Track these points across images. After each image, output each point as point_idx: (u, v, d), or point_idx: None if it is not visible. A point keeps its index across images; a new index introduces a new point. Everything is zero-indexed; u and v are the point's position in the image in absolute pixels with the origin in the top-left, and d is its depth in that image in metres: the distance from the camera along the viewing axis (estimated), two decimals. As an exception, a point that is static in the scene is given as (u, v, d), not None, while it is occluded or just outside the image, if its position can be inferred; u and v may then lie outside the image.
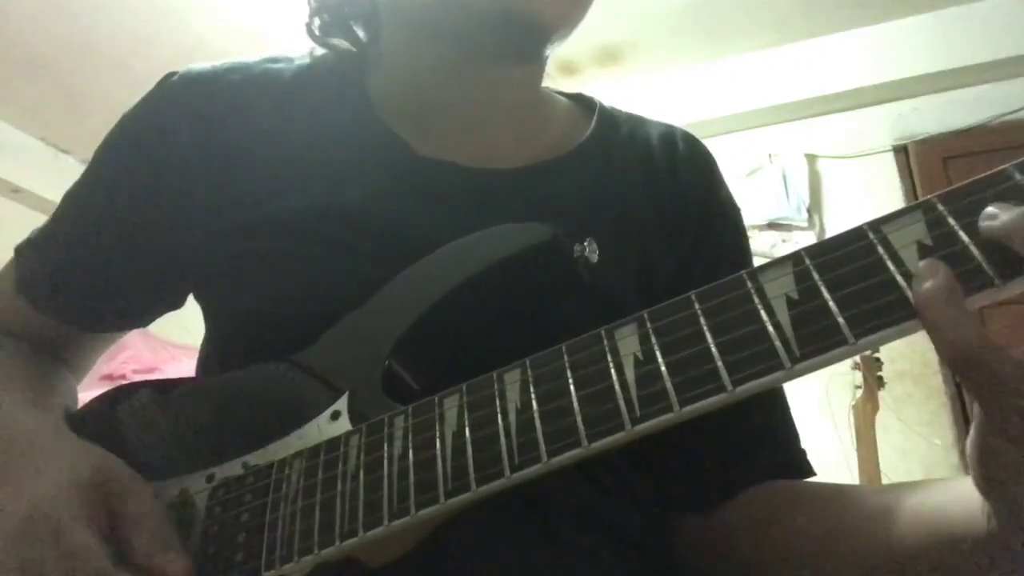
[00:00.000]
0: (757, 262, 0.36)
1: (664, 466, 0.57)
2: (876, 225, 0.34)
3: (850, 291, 0.33)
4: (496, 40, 0.55)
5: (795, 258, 0.35)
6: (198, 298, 0.62)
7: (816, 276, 0.34)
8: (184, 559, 0.43)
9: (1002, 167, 0.31)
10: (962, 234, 0.31)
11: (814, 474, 0.59)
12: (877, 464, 1.89)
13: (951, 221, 0.32)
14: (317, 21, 0.66)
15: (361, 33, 0.65)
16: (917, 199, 0.33)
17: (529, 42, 0.55)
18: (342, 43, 0.65)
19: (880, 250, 0.33)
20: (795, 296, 0.34)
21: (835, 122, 2.75)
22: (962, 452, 2.01)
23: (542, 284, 0.51)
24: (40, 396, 0.59)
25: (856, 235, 0.34)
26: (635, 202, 0.61)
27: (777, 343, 0.34)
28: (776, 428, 0.60)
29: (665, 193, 0.63)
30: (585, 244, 0.50)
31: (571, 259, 0.50)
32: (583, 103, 0.69)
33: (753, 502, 0.56)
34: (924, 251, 0.32)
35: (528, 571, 0.48)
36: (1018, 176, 0.31)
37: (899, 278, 0.33)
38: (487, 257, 0.48)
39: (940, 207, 0.32)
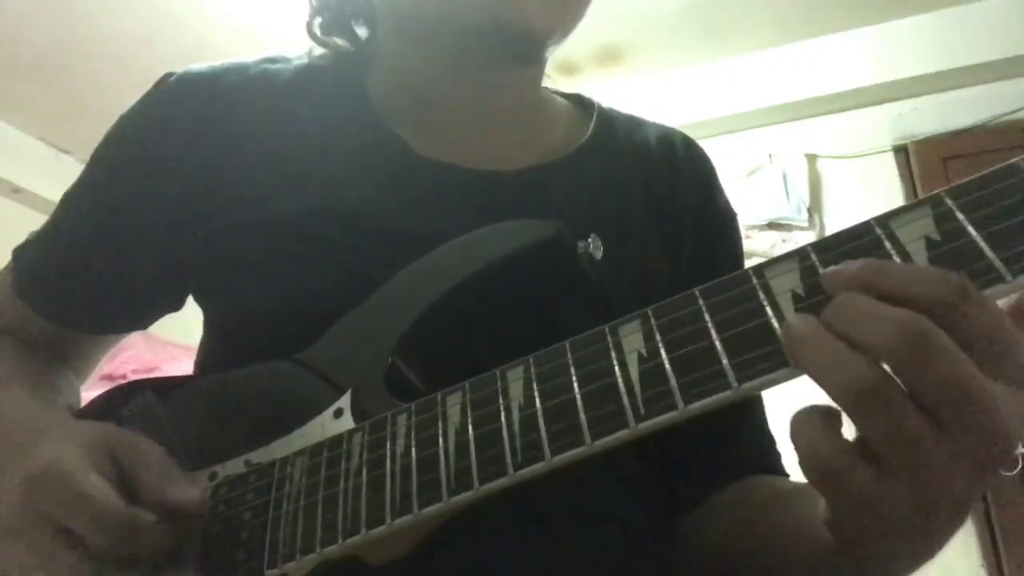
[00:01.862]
0: (756, 262, 0.36)
1: (662, 462, 0.57)
2: (883, 220, 0.33)
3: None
4: (491, 47, 0.55)
5: (801, 254, 0.34)
6: (197, 299, 0.61)
7: (822, 271, 0.33)
8: (194, 489, 0.45)
9: (1011, 161, 0.31)
10: (970, 228, 0.31)
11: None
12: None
13: (959, 216, 0.31)
14: (318, 20, 0.66)
15: (361, 32, 0.65)
16: (917, 199, 0.33)
17: (524, 49, 0.55)
18: (342, 43, 0.65)
19: (888, 245, 0.32)
20: (801, 292, 0.34)
21: (835, 122, 2.74)
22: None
23: (546, 280, 0.50)
24: (44, 393, 0.59)
25: (863, 230, 0.34)
26: (634, 203, 0.61)
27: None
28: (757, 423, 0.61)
29: (663, 196, 0.63)
30: (589, 241, 0.50)
31: (575, 255, 0.49)
32: (581, 104, 0.69)
33: (735, 498, 0.56)
34: (931, 246, 0.32)
35: (530, 570, 0.48)
36: (1028, 171, 0.31)
37: None
38: (491, 254, 0.48)
39: (948, 202, 0.32)
